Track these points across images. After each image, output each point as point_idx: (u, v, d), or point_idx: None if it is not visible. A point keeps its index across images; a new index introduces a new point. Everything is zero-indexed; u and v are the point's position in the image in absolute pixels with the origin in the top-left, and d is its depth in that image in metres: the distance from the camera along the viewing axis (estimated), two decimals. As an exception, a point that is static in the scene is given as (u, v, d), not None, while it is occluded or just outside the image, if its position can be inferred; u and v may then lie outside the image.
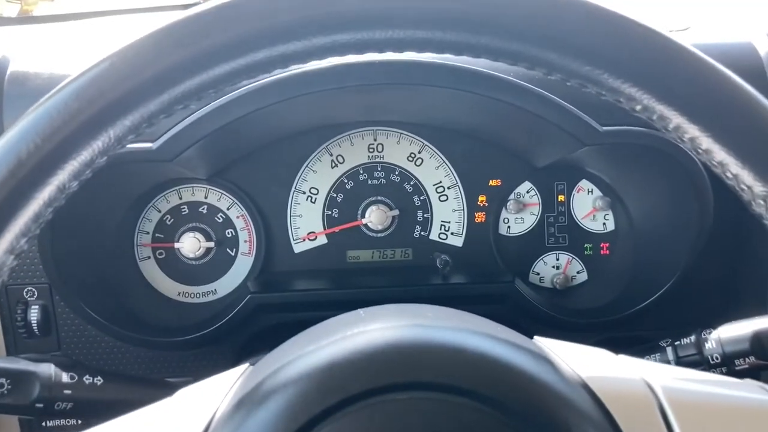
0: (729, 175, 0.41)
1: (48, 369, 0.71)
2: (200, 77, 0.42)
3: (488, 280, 1.00)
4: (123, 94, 0.41)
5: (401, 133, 1.02)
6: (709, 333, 0.76)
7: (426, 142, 1.02)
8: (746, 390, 0.49)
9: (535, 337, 0.51)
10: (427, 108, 0.94)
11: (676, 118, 0.41)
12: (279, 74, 0.81)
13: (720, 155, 0.41)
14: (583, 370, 0.47)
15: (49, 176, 0.40)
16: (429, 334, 0.45)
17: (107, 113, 0.41)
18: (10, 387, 0.68)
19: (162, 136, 0.81)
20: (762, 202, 0.41)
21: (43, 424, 0.94)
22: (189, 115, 0.81)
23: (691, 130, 0.41)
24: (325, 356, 0.43)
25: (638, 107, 0.42)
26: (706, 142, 0.41)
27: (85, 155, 0.41)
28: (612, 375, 0.47)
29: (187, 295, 1.02)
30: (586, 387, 0.45)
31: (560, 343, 0.51)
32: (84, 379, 0.72)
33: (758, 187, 0.41)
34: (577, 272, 1.05)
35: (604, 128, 0.84)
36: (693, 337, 0.77)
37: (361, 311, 0.50)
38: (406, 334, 0.44)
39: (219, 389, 0.47)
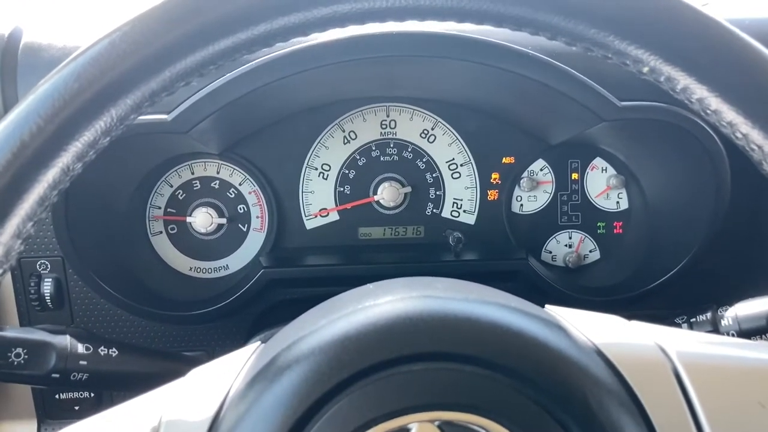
0: (739, 135, 0.41)
1: (64, 340, 0.71)
2: (201, 53, 0.41)
3: (501, 258, 0.99)
4: (123, 72, 0.40)
5: (414, 110, 1.01)
6: (726, 310, 0.76)
7: (439, 119, 1.01)
8: (761, 351, 0.49)
9: (546, 305, 0.51)
10: (441, 83, 0.93)
11: (683, 79, 0.41)
12: (292, 47, 0.80)
13: (729, 115, 0.40)
14: (596, 336, 0.46)
15: (53, 158, 0.39)
16: (440, 304, 0.45)
17: (109, 93, 0.40)
18: (26, 357, 0.68)
19: (177, 108, 0.81)
20: None
21: (56, 396, 0.95)
22: (204, 87, 0.81)
23: (699, 91, 0.41)
24: (337, 330, 0.43)
25: (645, 69, 0.42)
26: (714, 102, 0.40)
27: (88, 136, 0.40)
28: (625, 340, 0.47)
29: (199, 270, 1.02)
30: (599, 353, 0.45)
31: (572, 311, 0.51)
32: (99, 350, 0.72)
33: None
34: (590, 251, 1.05)
35: (623, 103, 0.83)
36: (709, 314, 0.76)
37: (371, 285, 0.50)
38: (417, 306, 0.44)
39: (231, 368, 0.47)
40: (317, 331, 0.44)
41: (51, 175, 0.40)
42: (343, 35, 0.80)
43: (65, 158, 0.40)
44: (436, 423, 0.41)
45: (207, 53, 0.42)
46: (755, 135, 0.40)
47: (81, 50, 0.41)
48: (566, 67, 0.82)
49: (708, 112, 0.41)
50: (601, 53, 0.42)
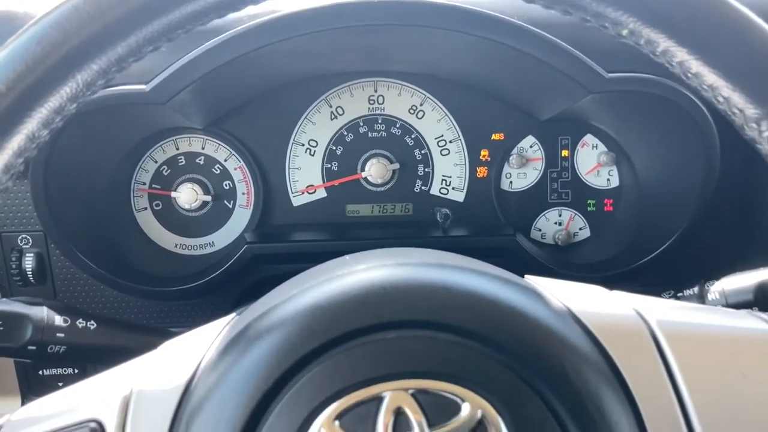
0: (720, 99, 0.40)
1: (40, 312, 0.70)
2: (168, 17, 0.40)
3: (489, 234, 0.98)
4: (89, 36, 0.39)
5: (403, 85, 1.00)
6: (712, 284, 0.75)
7: (428, 94, 1.00)
8: (741, 319, 0.48)
9: (526, 275, 0.50)
10: (430, 56, 0.92)
11: (663, 42, 0.40)
12: (270, 15, 0.78)
13: (710, 78, 0.39)
14: (574, 304, 0.46)
15: (16, 124, 0.38)
16: (414, 272, 0.44)
17: (73, 57, 0.39)
18: (1, 329, 0.67)
19: (155, 78, 0.79)
20: (755, 126, 0.39)
21: (40, 372, 0.94)
22: (182, 57, 0.79)
23: (680, 54, 0.39)
24: (309, 299, 0.42)
25: (624, 32, 0.41)
26: (695, 65, 0.39)
27: (53, 102, 0.39)
28: (604, 309, 0.46)
29: (184, 247, 1.01)
30: (577, 320, 0.44)
31: (551, 280, 0.50)
32: (77, 323, 0.71)
33: (750, 110, 0.39)
34: (580, 229, 1.04)
35: (610, 75, 0.82)
36: (696, 289, 0.76)
37: (347, 257, 0.49)
38: (391, 274, 0.43)
39: (204, 339, 0.46)
40: (289, 301, 0.43)
41: (15, 142, 0.39)
42: (324, 3, 0.78)
43: (30, 125, 0.39)
44: (410, 392, 0.40)
45: (174, 17, 0.41)
46: (736, 98, 0.39)
47: (43, 14, 0.40)
48: (552, 38, 0.80)
49: (689, 75, 0.40)
50: (579, 15, 0.41)
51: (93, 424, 0.42)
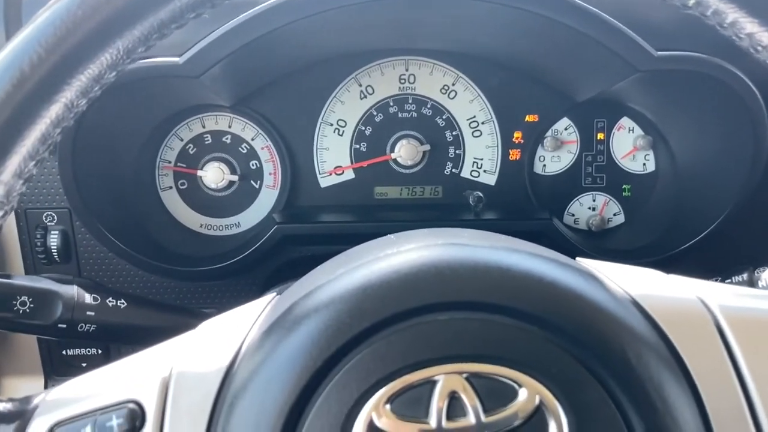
0: None
1: (71, 290, 0.69)
2: None
3: (524, 218, 0.96)
4: (131, 1, 0.37)
5: (434, 63, 0.97)
6: (763, 271, 0.72)
7: (460, 74, 0.97)
8: None
9: (578, 258, 0.48)
10: (464, 33, 0.89)
11: (732, 12, 0.37)
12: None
13: None
14: (633, 288, 0.44)
15: (55, 92, 0.37)
16: (468, 252, 0.42)
17: (115, 22, 0.38)
18: (32, 306, 0.66)
19: (189, 50, 0.77)
20: None
21: (64, 352, 0.93)
22: (216, 30, 0.77)
23: (750, 25, 0.37)
24: (358, 278, 0.40)
25: (691, 2, 0.39)
26: (766, 37, 0.37)
27: (92, 69, 0.38)
28: (664, 293, 0.45)
29: (209, 227, 1.00)
30: (637, 305, 0.43)
31: (606, 263, 0.48)
32: (107, 301, 0.70)
33: None
34: (614, 214, 1.01)
35: (659, 53, 0.79)
36: (745, 275, 0.73)
37: (392, 235, 0.47)
38: (444, 253, 0.41)
39: (245, 319, 0.45)
40: (336, 280, 0.41)
41: (53, 110, 0.37)
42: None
43: (68, 93, 0.37)
44: (464, 375, 0.38)
45: None
46: None
47: None
48: (600, 13, 0.77)
49: (758, 48, 0.38)
50: None
51: (132, 405, 0.40)
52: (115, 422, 0.40)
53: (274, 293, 0.48)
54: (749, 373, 0.41)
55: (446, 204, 1.00)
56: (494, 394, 0.38)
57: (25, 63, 0.36)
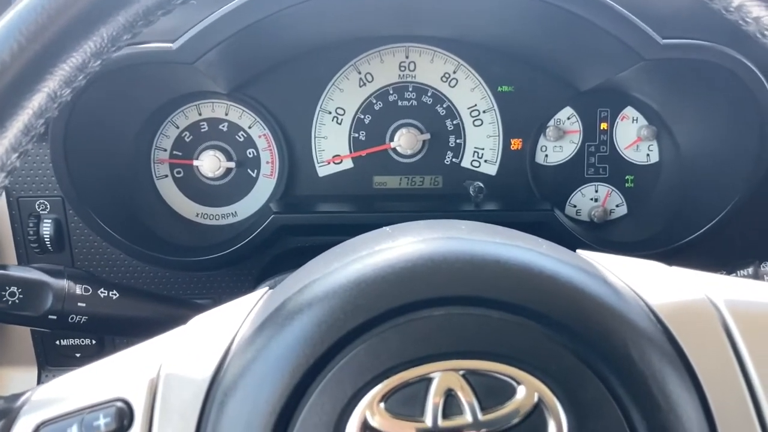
0: None
1: (61, 280, 0.67)
2: None
3: (525, 209, 0.94)
4: None
5: (435, 51, 0.95)
6: (768, 265, 0.71)
7: (461, 61, 0.95)
8: None
9: (579, 250, 0.46)
10: (466, 20, 0.87)
11: None
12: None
13: None
14: (635, 282, 0.43)
15: (37, 82, 0.36)
16: (465, 245, 0.40)
17: (98, 8, 0.36)
18: (21, 296, 0.65)
19: (182, 36, 0.76)
20: None
21: (57, 342, 0.92)
22: (210, 15, 0.75)
23: (756, 9, 0.36)
24: (353, 273, 0.39)
25: None
26: None
27: (76, 58, 0.36)
28: (667, 286, 0.43)
29: (206, 216, 0.98)
30: (639, 299, 0.42)
31: (607, 255, 0.47)
32: (99, 292, 0.69)
33: None
34: (617, 205, 1.00)
35: (665, 41, 0.77)
36: (750, 269, 0.72)
37: (387, 228, 0.45)
38: (440, 247, 0.40)
39: (236, 314, 0.44)
40: (330, 274, 0.40)
41: (36, 101, 0.36)
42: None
43: (51, 83, 0.36)
44: (461, 372, 0.37)
45: None
46: None
47: None
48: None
49: (765, 33, 0.37)
50: None
51: (120, 404, 0.39)
52: (102, 421, 0.39)
53: (267, 287, 0.47)
54: (755, 369, 0.39)
55: (446, 194, 0.99)
56: (491, 392, 0.36)
57: (5, 52, 0.35)
